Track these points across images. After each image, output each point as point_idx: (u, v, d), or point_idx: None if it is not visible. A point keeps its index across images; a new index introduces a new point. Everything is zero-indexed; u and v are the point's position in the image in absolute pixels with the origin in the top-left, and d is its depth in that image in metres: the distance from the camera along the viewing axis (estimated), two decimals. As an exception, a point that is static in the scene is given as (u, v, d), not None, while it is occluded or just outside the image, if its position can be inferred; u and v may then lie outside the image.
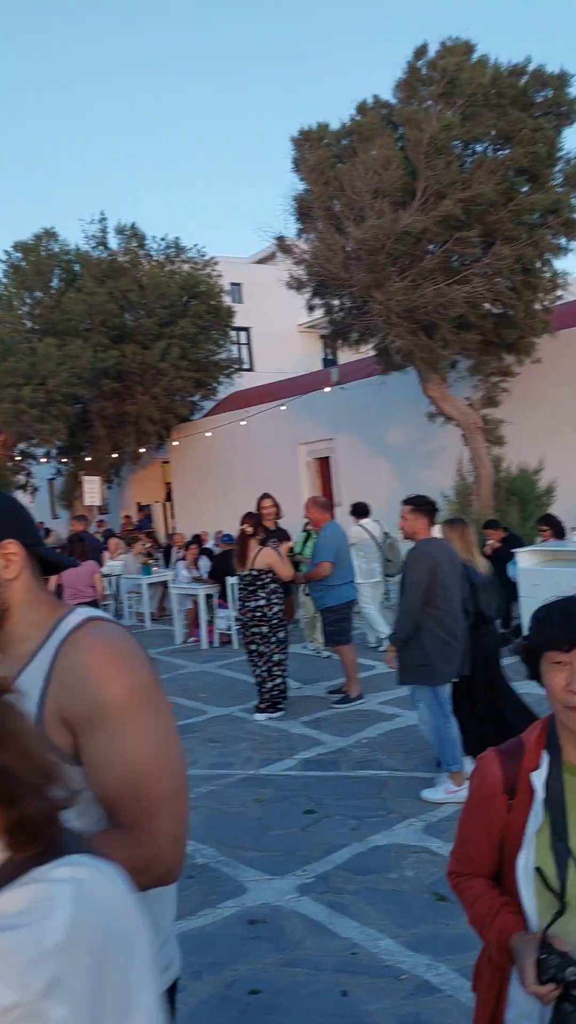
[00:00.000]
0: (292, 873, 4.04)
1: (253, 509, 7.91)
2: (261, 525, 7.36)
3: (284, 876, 4.01)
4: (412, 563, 4.86)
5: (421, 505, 5.02)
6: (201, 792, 5.25)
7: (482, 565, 5.30)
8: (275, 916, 3.64)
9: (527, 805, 1.51)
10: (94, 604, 8.52)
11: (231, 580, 9.52)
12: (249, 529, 7.05)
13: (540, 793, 1.50)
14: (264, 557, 6.90)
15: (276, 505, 8.29)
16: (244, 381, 21.25)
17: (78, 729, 1.26)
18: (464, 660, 4.90)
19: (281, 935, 3.47)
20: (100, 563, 10.81)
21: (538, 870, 1.47)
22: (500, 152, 10.36)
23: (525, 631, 7.15)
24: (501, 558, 8.92)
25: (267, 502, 8.14)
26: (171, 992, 1.45)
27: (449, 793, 4.77)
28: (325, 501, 7.37)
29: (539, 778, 1.52)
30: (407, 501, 5.09)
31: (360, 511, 9.53)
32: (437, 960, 3.18)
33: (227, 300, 19.14)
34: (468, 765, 4.77)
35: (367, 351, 12.51)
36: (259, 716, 6.86)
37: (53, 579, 8.40)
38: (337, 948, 3.34)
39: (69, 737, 1.27)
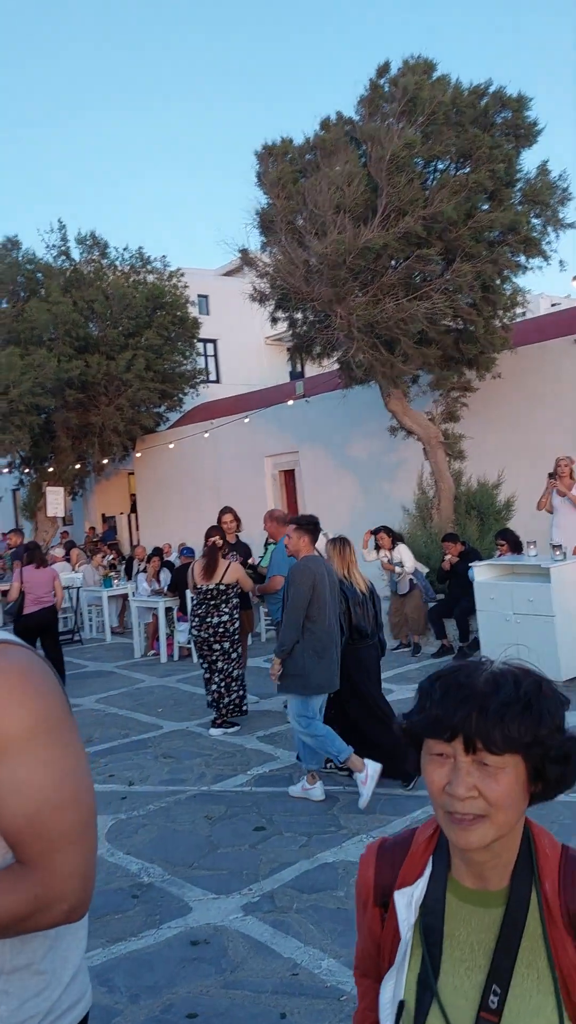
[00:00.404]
0: (238, 892, 4.00)
1: (215, 523, 7.92)
2: (224, 539, 7.40)
3: (230, 895, 3.98)
4: (295, 578, 5.10)
5: (304, 524, 5.34)
6: (151, 809, 5.20)
7: (360, 582, 5.56)
8: (218, 936, 3.60)
9: (397, 927, 1.25)
10: (54, 609, 8.67)
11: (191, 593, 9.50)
12: (219, 542, 7.10)
13: (407, 915, 1.22)
14: (233, 572, 6.95)
15: (237, 519, 8.29)
16: (211, 393, 21.23)
17: None
18: (337, 674, 5.15)
19: (223, 956, 3.44)
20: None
21: (401, 1003, 1.21)
22: (461, 171, 10.50)
23: (483, 645, 7.27)
24: (459, 572, 9.00)
25: (228, 516, 8.14)
26: (81, 1027, 1.42)
27: (364, 784, 4.91)
28: (283, 515, 7.36)
29: (406, 898, 1.23)
30: (291, 520, 5.42)
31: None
32: (377, 980, 3.16)
33: (193, 311, 19.12)
34: (373, 768, 4.97)
35: (330, 364, 12.58)
36: (215, 731, 6.81)
37: (16, 586, 8.39)
38: (278, 969, 3.31)
39: None
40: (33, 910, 1.21)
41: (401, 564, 9.44)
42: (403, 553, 9.50)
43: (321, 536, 9.14)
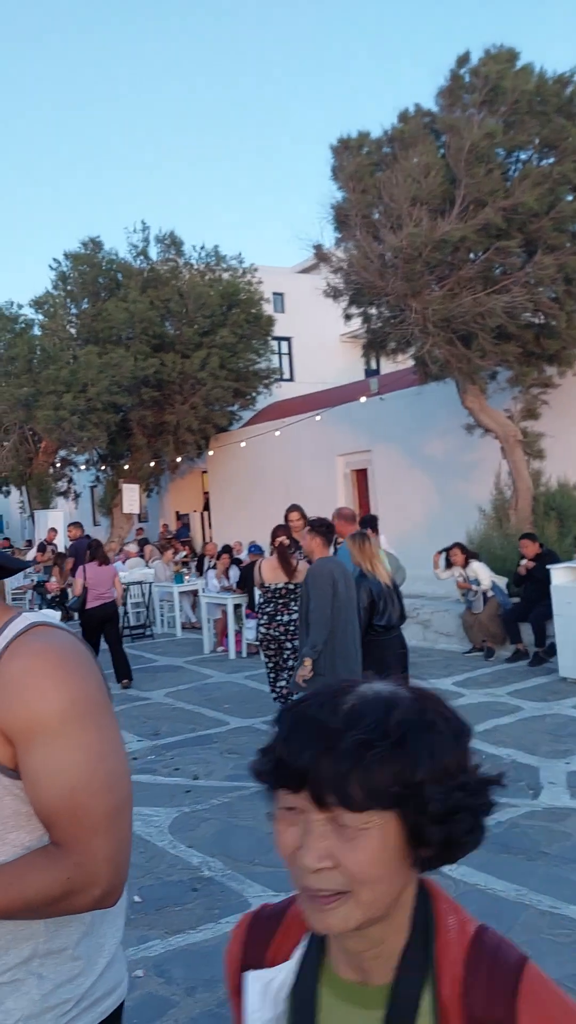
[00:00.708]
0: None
1: (282, 521, 7.88)
2: (291, 537, 7.35)
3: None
4: (315, 578, 5.18)
5: (317, 527, 5.40)
6: (214, 804, 5.17)
7: (383, 575, 5.62)
8: (276, 935, 3.53)
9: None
10: (115, 604, 9.03)
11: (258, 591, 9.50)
12: (287, 541, 7.08)
13: (259, 1007, 0.94)
14: (303, 570, 6.93)
15: (304, 517, 8.22)
16: (284, 391, 21.23)
17: (16, 741, 1.19)
18: (357, 670, 5.26)
19: (281, 955, 3.36)
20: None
21: None
22: (545, 161, 10.19)
23: (560, 650, 7.07)
24: (535, 575, 8.70)
25: (294, 514, 8.07)
26: (116, 1017, 1.38)
27: None
28: (351, 513, 7.29)
29: (260, 983, 0.95)
30: (306, 523, 5.53)
31: (364, 524, 9.43)
32: (439, 990, 3.04)
33: (267, 309, 19.15)
34: None
35: (405, 360, 12.37)
36: (280, 728, 6.76)
37: (79, 582, 8.63)
38: (337, 972, 3.21)
39: (9, 749, 1.20)
40: (65, 892, 1.19)
41: (477, 582, 9.22)
42: (479, 570, 9.27)
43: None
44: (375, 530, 8.96)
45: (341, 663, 5.13)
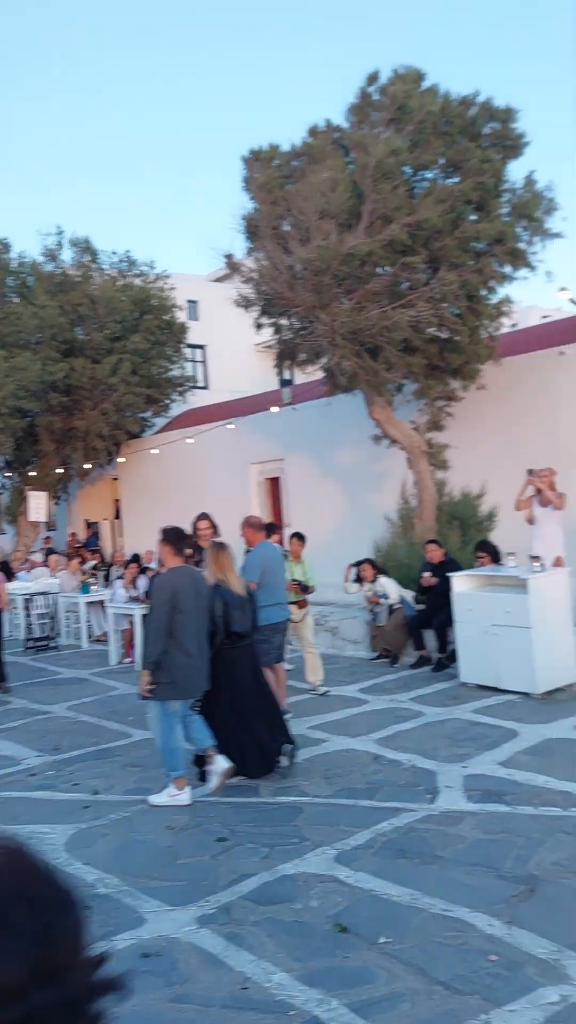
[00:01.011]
0: (195, 904, 3.89)
1: (190, 530, 7.81)
2: (197, 547, 7.27)
3: (186, 907, 3.86)
4: (155, 591, 5.35)
5: (168, 535, 5.52)
6: (113, 819, 5.08)
7: (236, 584, 5.80)
8: (170, 949, 3.49)
9: None
10: None
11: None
12: (188, 551, 7.00)
13: None
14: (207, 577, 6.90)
15: (214, 525, 8.17)
16: (199, 399, 21.13)
17: None
18: (206, 677, 5.45)
19: (173, 969, 3.32)
20: None
21: None
22: (449, 180, 10.50)
23: (460, 656, 7.23)
24: (439, 591, 8.87)
25: (203, 523, 8.00)
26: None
27: (171, 796, 5.21)
28: (258, 521, 7.28)
29: None
30: (161, 531, 5.60)
31: (269, 531, 9.50)
32: (329, 995, 3.06)
33: (181, 316, 19.04)
34: (224, 763, 5.38)
35: (315, 371, 12.52)
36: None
37: None
38: (229, 982, 3.20)
39: None
40: None
41: (386, 596, 9.42)
42: (387, 585, 9.48)
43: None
44: (301, 540, 8.79)
45: (188, 670, 5.28)
